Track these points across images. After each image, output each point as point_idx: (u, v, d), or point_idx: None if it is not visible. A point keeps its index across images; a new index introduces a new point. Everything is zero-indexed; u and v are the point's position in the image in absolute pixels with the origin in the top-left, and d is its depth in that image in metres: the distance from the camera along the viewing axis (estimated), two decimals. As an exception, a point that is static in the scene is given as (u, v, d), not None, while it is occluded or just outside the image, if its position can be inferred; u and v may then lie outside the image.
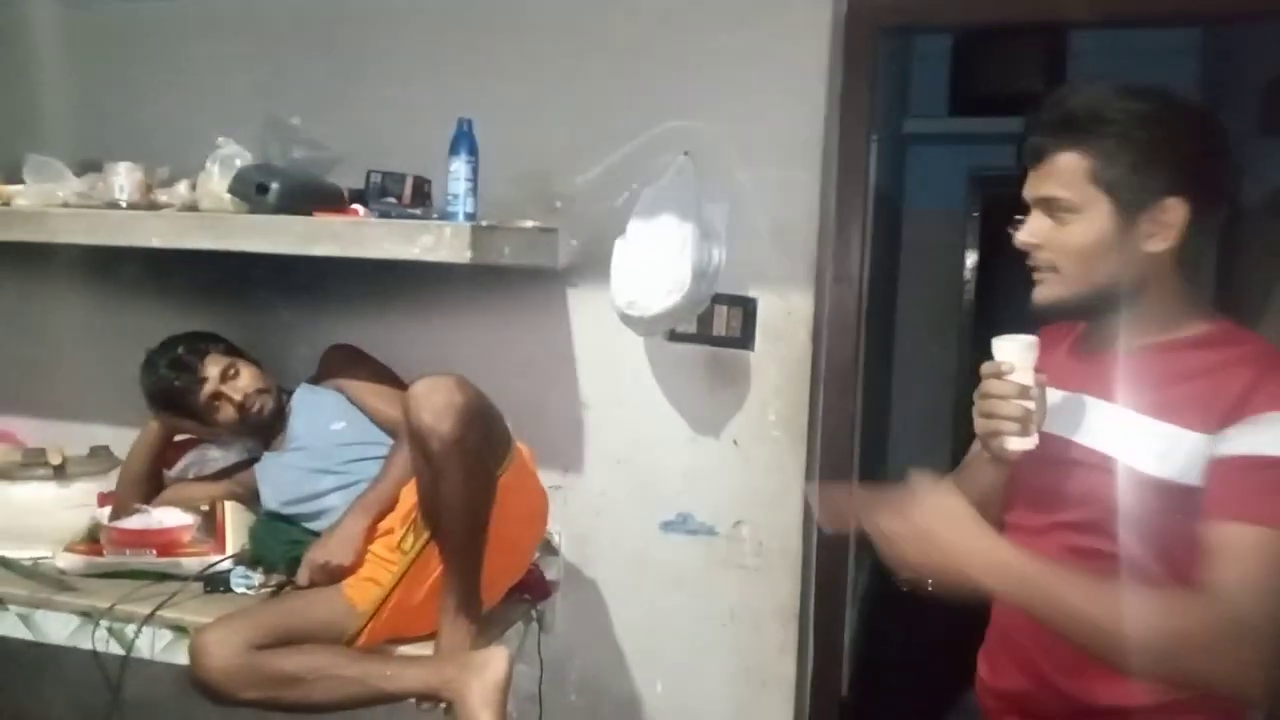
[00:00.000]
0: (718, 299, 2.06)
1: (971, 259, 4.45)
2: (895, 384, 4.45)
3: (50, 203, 2.07)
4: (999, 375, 1.16)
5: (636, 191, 2.04)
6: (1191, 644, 1.01)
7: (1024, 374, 1.16)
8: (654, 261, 1.94)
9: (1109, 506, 1.13)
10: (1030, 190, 1.18)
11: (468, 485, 1.69)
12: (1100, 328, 1.21)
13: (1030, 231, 1.17)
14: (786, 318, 2.10)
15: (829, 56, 2.05)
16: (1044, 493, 1.22)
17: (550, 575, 2.13)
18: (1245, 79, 2.86)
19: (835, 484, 1.07)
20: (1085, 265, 1.14)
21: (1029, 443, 1.16)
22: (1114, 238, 1.13)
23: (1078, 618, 1.04)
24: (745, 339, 2.10)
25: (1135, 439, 1.13)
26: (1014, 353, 1.17)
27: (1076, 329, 1.27)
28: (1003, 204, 1.28)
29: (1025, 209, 1.20)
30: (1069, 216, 1.14)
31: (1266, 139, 2.58)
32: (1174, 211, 1.12)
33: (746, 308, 2.09)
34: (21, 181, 2.13)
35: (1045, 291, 1.18)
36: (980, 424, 1.19)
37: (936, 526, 1.08)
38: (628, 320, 1.99)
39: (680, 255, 1.93)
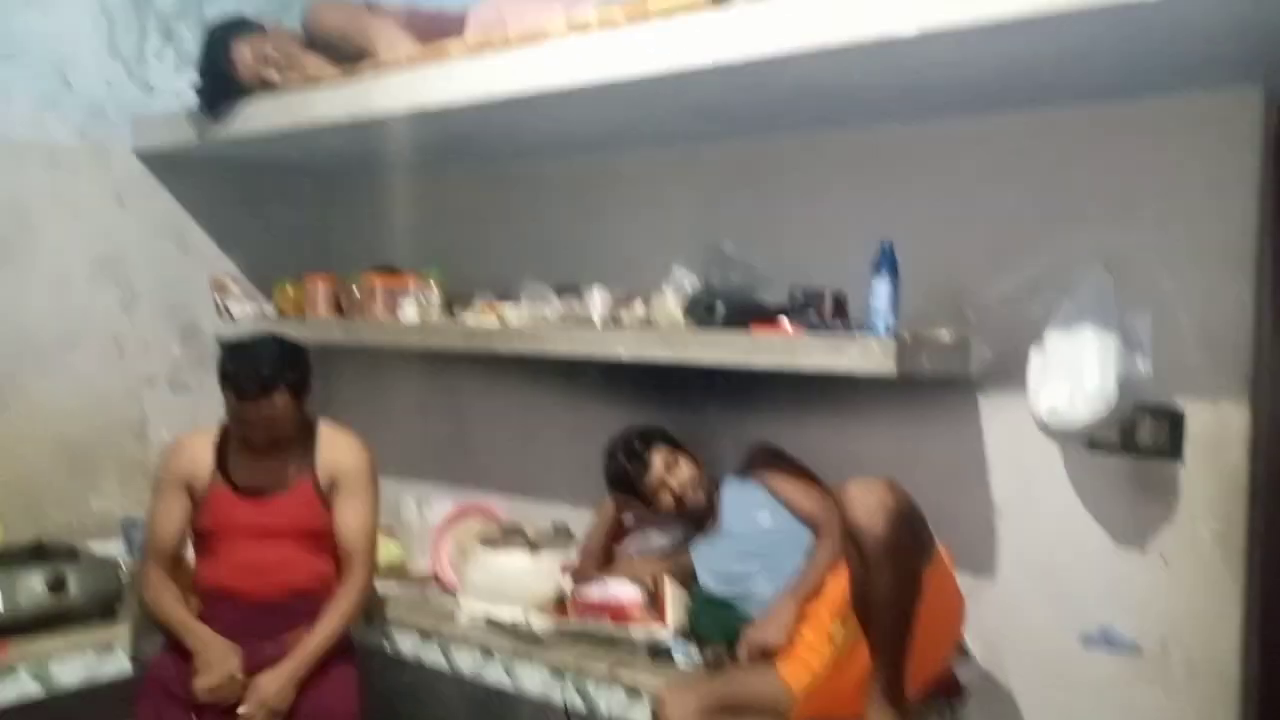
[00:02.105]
0: (1142, 408, 2.05)
1: None
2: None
3: (538, 320, 2.53)
4: None
5: (1052, 301, 2.10)
6: None
7: None
8: (1076, 371, 1.98)
9: None
10: None
11: (896, 580, 1.82)
12: None
13: None
14: (1218, 429, 2.02)
15: (1259, 160, 1.99)
16: None
17: (963, 676, 2.18)
18: None
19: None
20: None
21: None
22: None
23: None
24: (1172, 450, 2.06)
25: None
26: None
27: None
28: None
29: None
30: None
31: None
32: None
33: (1173, 418, 2.05)
34: (511, 299, 2.63)
35: None
36: None
37: None
38: (1048, 429, 2.04)
39: (1103, 365, 1.96)
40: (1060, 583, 2.18)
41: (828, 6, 1.75)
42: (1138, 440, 2.07)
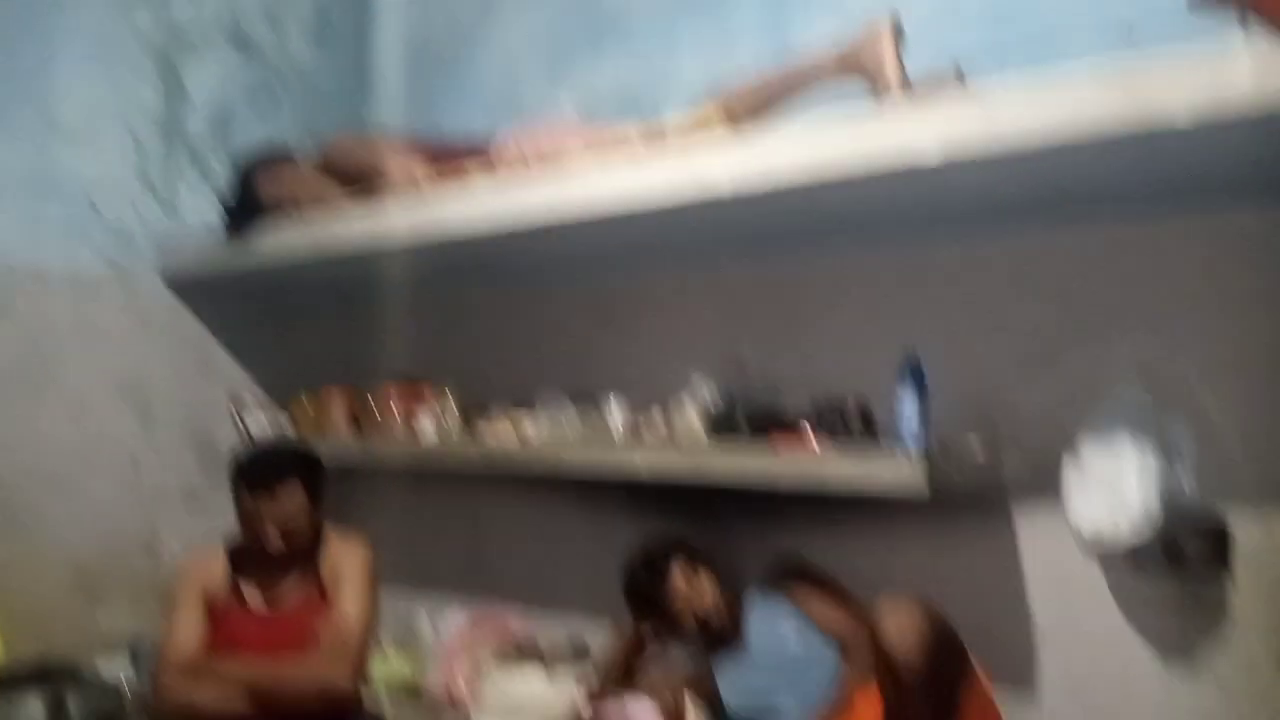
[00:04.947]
0: (1186, 525, 1.96)
1: None
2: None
3: (558, 439, 2.48)
4: None
5: (1086, 413, 2.04)
6: None
7: None
8: (1115, 487, 1.91)
9: None
10: None
11: (932, 702, 1.75)
12: None
13: None
14: (1267, 543, 1.94)
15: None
16: None
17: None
18: None
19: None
20: None
21: None
22: None
23: None
24: (1220, 568, 1.97)
25: None
26: None
27: None
28: None
29: None
30: None
31: None
32: None
33: (1219, 534, 1.97)
34: (527, 407, 2.59)
35: None
36: None
37: None
38: (1088, 547, 1.97)
39: (1143, 481, 1.89)
40: (1105, 706, 2.08)
41: (848, 136, 1.76)
42: (1183, 558, 1.98)
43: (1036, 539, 2.17)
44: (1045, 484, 2.06)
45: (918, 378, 1.99)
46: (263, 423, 3.06)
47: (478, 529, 3.11)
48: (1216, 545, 1.97)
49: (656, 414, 2.38)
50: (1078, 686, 2.11)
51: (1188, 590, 2.00)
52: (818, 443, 2.08)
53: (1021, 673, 2.16)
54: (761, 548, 2.46)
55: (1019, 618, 2.18)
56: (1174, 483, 1.91)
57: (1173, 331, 2.04)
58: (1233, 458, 1.96)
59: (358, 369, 3.12)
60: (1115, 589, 2.09)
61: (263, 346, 3.29)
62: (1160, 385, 1.99)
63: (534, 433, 2.49)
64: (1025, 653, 2.17)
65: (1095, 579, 2.10)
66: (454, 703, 2.63)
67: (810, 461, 2.04)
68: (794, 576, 2.31)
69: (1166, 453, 1.91)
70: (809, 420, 2.14)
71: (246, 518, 2.32)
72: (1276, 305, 1.96)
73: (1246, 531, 1.96)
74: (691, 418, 2.28)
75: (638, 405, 2.44)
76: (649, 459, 2.25)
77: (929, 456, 1.91)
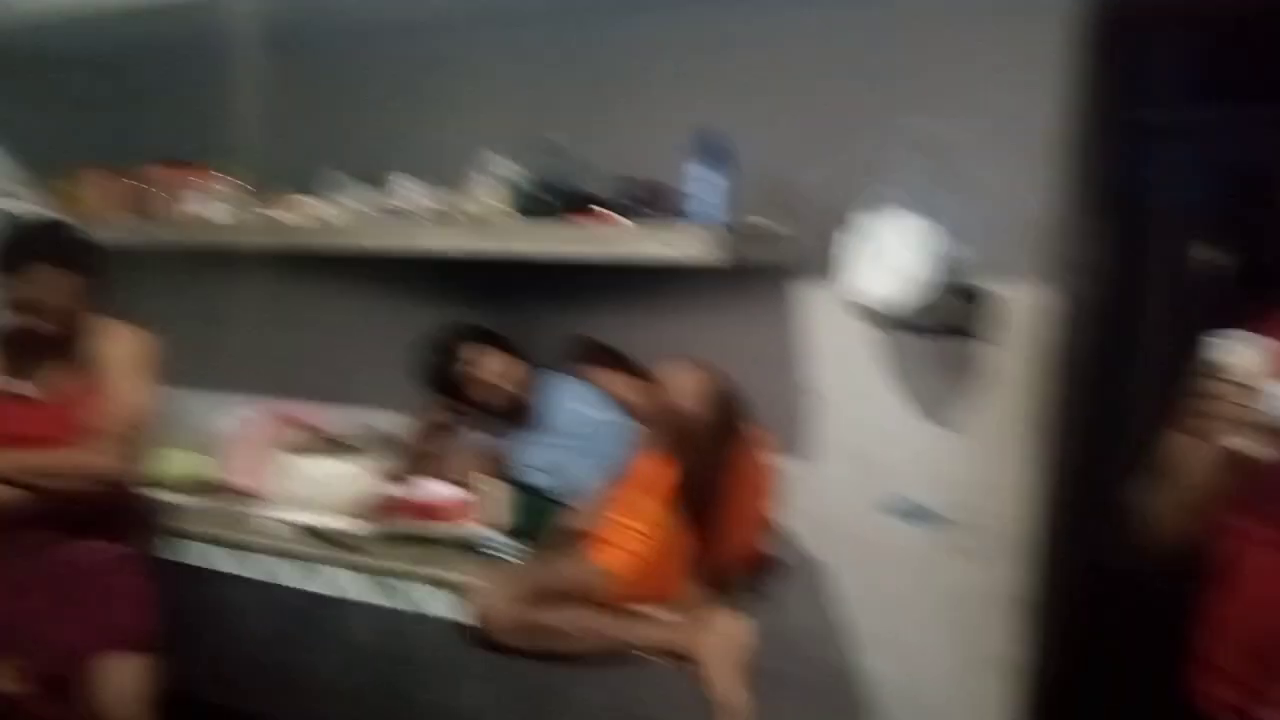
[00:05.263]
0: (951, 291, 2.09)
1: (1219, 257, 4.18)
2: (1138, 381, 4.23)
3: (361, 220, 2.36)
4: (1232, 378, 1.13)
5: (867, 187, 2.13)
6: None
7: (1263, 377, 1.12)
8: (889, 256, 2.02)
9: None
10: None
11: (714, 462, 1.86)
12: None
13: None
14: (1022, 311, 2.13)
15: (1070, 46, 2.06)
16: None
17: (778, 553, 2.24)
18: None
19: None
20: None
21: (1268, 450, 1.12)
22: None
23: None
24: (979, 331, 2.15)
25: None
26: (1249, 355, 1.13)
27: None
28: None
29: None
30: None
31: None
32: None
33: (980, 300, 2.14)
34: (307, 189, 2.45)
35: None
36: (1210, 426, 1.16)
37: None
38: (862, 313, 2.10)
39: (913, 249, 2.01)
40: (872, 460, 2.28)
41: None
42: (946, 322, 2.14)
43: (816, 308, 2.30)
44: (826, 256, 2.16)
45: (715, 153, 2.00)
46: (20, 204, 2.77)
47: (267, 321, 2.96)
48: (981, 310, 2.14)
49: (447, 194, 2.30)
50: (851, 444, 2.30)
51: (952, 351, 2.19)
52: (620, 220, 2.08)
53: (801, 434, 2.33)
54: (559, 329, 2.47)
55: (799, 383, 2.33)
56: (945, 251, 2.03)
57: (950, 108, 2.13)
58: (1001, 229, 2.11)
59: (124, 148, 2.85)
60: (887, 352, 2.25)
61: (18, 122, 2.93)
62: (936, 159, 2.09)
63: (331, 215, 2.36)
64: (804, 415, 2.33)
65: (869, 344, 2.25)
66: (247, 494, 2.58)
67: (616, 237, 2.04)
68: (588, 355, 2.36)
69: (940, 223, 2.03)
70: (611, 198, 2.13)
71: (6, 303, 2.13)
72: (1045, 82, 2.07)
73: (1008, 298, 2.14)
74: (489, 197, 2.22)
75: (428, 184, 2.35)
76: (454, 240, 2.19)
77: (728, 229, 1.95)
